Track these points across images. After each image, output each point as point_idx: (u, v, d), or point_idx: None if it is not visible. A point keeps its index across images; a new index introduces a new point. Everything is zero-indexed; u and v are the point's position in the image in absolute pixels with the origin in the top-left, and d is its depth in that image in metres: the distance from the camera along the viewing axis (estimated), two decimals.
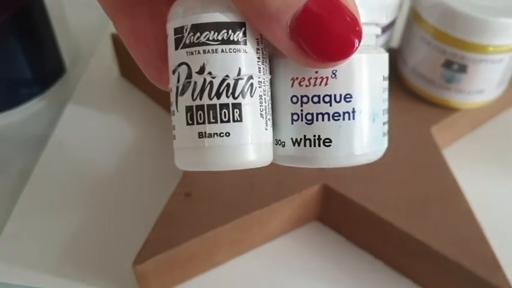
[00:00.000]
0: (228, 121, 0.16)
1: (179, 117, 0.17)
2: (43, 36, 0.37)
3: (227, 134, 0.16)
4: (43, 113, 0.38)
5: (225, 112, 0.16)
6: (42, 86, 0.38)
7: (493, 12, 0.30)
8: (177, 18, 0.16)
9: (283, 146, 0.17)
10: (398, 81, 0.36)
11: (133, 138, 0.36)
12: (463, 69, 0.32)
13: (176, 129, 0.17)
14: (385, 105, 0.18)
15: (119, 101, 0.39)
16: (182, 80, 0.16)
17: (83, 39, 0.43)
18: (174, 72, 0.17)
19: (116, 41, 0.38)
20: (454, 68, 0.32)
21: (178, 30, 0.16)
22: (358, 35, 0.15)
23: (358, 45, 0.15)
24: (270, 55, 0.17)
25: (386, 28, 0.32)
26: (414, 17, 0.33)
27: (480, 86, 0.33)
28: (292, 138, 0.17)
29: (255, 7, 0.15)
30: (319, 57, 0.15)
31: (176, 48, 0.16)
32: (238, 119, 0.16)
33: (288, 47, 0.15)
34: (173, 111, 0.17)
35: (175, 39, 0.16)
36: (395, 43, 0.37)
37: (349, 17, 0.15)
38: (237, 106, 0.16)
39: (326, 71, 0.17)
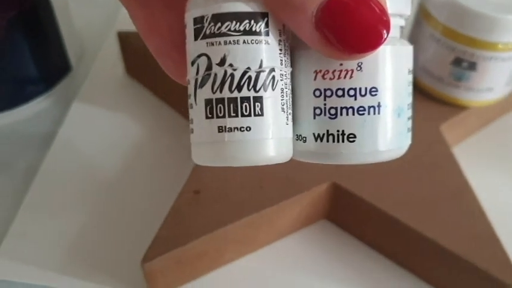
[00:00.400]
0: (249, 115, 0.16)
1: (198, 111, 0.16)
2: (49, 34, 0.37)
3: (248, 129, 0.16)
4: (49, 111, 0.38)
5: (246, 105, 0.16)
6: (48, 84, 0.38)
7: (503, 9, 0.30)
8: (197, 8, 0.16)
9: (304, 141, 0.17)
10: None
11: (140, 136, 0.36)
12: (472, 66, 0.32)
13: (194, 123, 0.16)
14: (410, 99, 0.18)
15: (125, 98, 0.39)
16: (202, 71, 0.16)
17: (88, 37, 0.43)
18: (193, 63, 0.16)
19: (122, 39, 0.38)
20: (464, 66, 0.32)
21: (199, 20, 0.16)
22: (387, 25, 0.15)
23: (387, 36, 0.15)
24: (292, 47, 0.17)
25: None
26: (423, 14, 0.33)
27: (489, 84, 0.33)
28: (314, 134, 0.17)
29: None
30: (346, 48, 0.15)
31: (196, 39, 0.16)
32: (260, 113, 0.16)
33: (313, 38, 0.15)
34: (191, 104, 0.16)
35: (194, 29, 0.16)
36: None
37: (378, 7, 0.15)
38: (258, 99, 0.16)
39: (351, 64, 0.16)
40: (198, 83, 0.16)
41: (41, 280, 0.29)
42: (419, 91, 0.35)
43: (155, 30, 0.18)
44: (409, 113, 0.18)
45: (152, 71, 0.29)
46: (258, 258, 0.30)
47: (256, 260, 0.30)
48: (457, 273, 0.27)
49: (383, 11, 0.15)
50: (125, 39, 0.38)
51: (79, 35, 0.42)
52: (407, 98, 0.17)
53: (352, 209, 0.30)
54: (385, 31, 0.15)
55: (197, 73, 0.16)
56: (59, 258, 0.30)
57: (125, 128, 0.37)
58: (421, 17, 0.33)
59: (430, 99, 0.34)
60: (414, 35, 0.35)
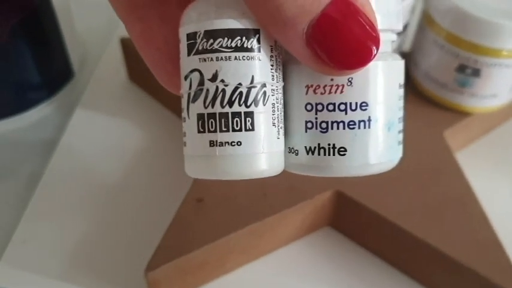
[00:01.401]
0: (240, 130, 0.16)
1: (190, 125, 0.16)
2: (52, 40, 0.37)
3: (239, 143, 0.16)
4: (51, 117, 0.38)
5: (237, 121, 0.16)
6: (50, 90, 0.38)
7: (507, 16, 0.30)
8: (191, 24, 0.16)
9: (296, 154, 0.17)
10: (410, 85, 0.35)
11: (142, 142, 0.36)
12: (476, 73, 0.32)
13: (187, 136, 0.17)
14: (401, 113, 0.18)
15: (127, 104, 0.39)
16: (194, 86, 0.16)
17: (90, 42, 0.43)
18: (186, 78, 0.16)
19: (125, 45, 0.38)
20: (468, 72, 0.32)
21: (191, 36, 0.16)
22: (376, 42, 0.15)
23: (376, 52, 0.15)
24: (284, 61, 0.17)
25: (399, 33, 0.32)
26: (427, 21, 0.33)
27: (493, 90, 0.32)
28: (306, 147, 0.17)
29: (270, 13, 0.15)
30: (336, 64, 0.15)
31: (189, 54, 0.16)
32: (250, 127, 0.16)
33: (304, 54, 0.15)
34: (184, 117, 0.17)
35: (187, 44, 0.16)
36: (407, 47, 0.37)
37: (367, 24, 0.15)
38: (250, 115, 0.16)
39: (342, 79, 0.16)
40: (191, 97, 0.16)
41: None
42: (422, 97, 0.35)
43: (151, 43, 0.18)
44: (400, 126, 0.18)
45: (154, 77, 0.29)
46: (261, 266, 0.30)
47: (259, 268, 0.30)
48: (459, 280, 0.27)
49: (372, 28, 0.15)
50: (127, 45, 0.38)
51: (81, 41, 0.42)
52: (398, 112, 0.17)
53: (355, 217, 0.30)
54: (374, 47, 0.15)
55: (190, 88, 0.16)
56: (62, 266, 0.30)
57: (127, 134, 0.37)
58: (425, 23, 0.33)
59: (433, 105, 0.34)
60: (418, 41, 0.35)
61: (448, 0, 0.31)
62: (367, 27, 0.15)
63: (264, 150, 0.16)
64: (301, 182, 0.29)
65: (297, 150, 0.17)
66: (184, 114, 0.17)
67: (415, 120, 0.33)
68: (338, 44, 0.15)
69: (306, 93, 0.17)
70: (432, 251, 0.27)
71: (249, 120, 0.16)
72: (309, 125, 0.17)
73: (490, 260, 0.26)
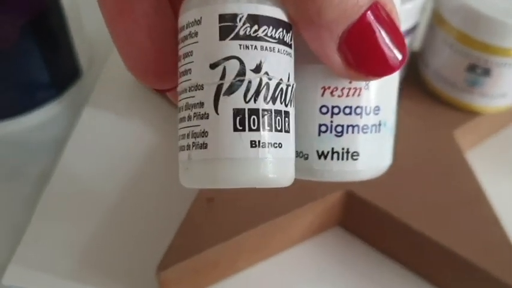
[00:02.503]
0: (281, 130, 0.14)
1: (219, 122, 0.14)
2: (61, 40, 0.37)
3: (280, 145, 0.14)
4: (60, 117, 0.38)
5: (278, 120, 0.14)
6: (58, 89, 0.38)
7: None
8: (226, 3, 0.14)
9: (306, 158, 0.16)
10: (419, 85, 0.35)
11: (151, 142, 0.36)
12: (486, 73, 0.31)
13: (212, 136, 0.14)
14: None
15: (136, 104, 0.39)
16: (230, 77, 0.14)
17: (98, 42, 0.43)
18: (214, 66, 0.14)
19: None
20: (478, 72, 0.32)
21: (229, 18, 0.14)
22: (405, 49, 0.15)
23: (404, 60, 0.15)
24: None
25: (409, 32, 0.32)
26: (437, 20, 0.33)
27: (503, 90, 0.32)
28: (318, 151, 0.16)
29: (308, 14, 0.14)
30: (365, 71, 0.15)
31: (223, 38, 0.14)
32: (288, 129, 0.14)
33: (333, 57, 0.15)
34: (205, 113, 0.14)
35: (221, 27, 0.14)
36: (416, 46, 0.37)
37: (397, 31, 0.15)
38: (287, 115, 0.14)
39: (361, 82, 0.16)
40: (224, 89, 0.14)
41: None
42: (432, 96, 0.35)
43: (127, 13, 0.16)
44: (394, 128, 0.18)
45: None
46: (271, 266, 0.30)
47: (269, 267, 0.30)
48: (470, 281, 0.27)
49: (402, 35, 0.15)
50: None
51: (89, 40, 0.42)
52: (396, 114, 0.18)
53: (365, 216, 0.30)
54: (402, 55, 0.15)
55: (222, 78, 0.14)
56: (73, 265, 0.30)
57: (137, 133, 0.37)
58: (435, 22, 0.33)
59: (443, 104, 0.34)
60: (427, 40, 0.35)
61: (459, 0, 0.31)
62: (397, 34, 0.15)
63: (293, 155, 0.15)
64: (312, 182, 0.29)
65: (307, 155, 0.16)
66: (204, 109, 0.14)
67: (424, 120, 0.33)
68: (370, 50, 0.15)
69: (322, 94, 0.16)
70: (443, 251, 0.27)
71: (287, 121, 0.14)
72: (323, 128, 0.16)
73: (500, 260, 0.26)
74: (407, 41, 0.33)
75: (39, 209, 0.32)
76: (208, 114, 0.14)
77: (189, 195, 0.29)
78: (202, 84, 0.14)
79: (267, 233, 0.28)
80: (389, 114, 0.17)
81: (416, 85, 0.35)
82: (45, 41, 0.36)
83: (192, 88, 0.14)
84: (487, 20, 0.30)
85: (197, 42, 0.14)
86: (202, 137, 0.14)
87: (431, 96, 0.35)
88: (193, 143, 0.15)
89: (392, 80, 0.17)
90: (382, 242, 0.30)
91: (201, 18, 0.14)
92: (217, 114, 0.14)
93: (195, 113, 0.14)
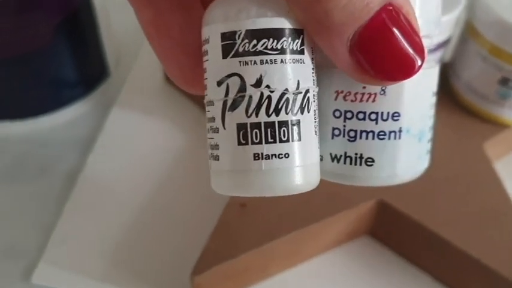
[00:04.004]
0: (287, 140, 0.14)
1: (226, 136, 0.15)
2: (91, 38, 0.37)
3: (286, 155, 0.14)
4: (87, 116, 0.38)
5: (284, 130, 0.14)
6: (87, 88, 0.38)
7: None
8: (227, 22, 0.14)
9: (321, 159, 0.16)
10: (450, 96, 0.35)
11: (181, 143, 0.36)
12: None
13: (221, 149, 0.15)
14: (432, 122, 0.17)
15: (164, 105, 0.39)
16: (233, 93, 0.14)
17: (126, 42, 0.43)
18: (220, 83, 0.15)
19: None
20: (510, 85, 0.32)
21: (229, 36, 0.14)
22: (423, 54, 0.14)
23: (422, 65, 0.14)
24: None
25: (442, 45, 0.32)
26: (470, 32, 0.33)
27: None
28: (331, 154, 0.16)
29: (316, 17, 0.14)
30: (378, 75, 0.14)
31: (225, 57, 0.14)
32: (297, 137, 0.15)
33: (345, 61, 0.14)
34: (216, 128, 0.15)
35: (223, 45, 0.14)
36: (447, 57, 0.36)
37: (414, 34, 0.14)
38: (296, 123, 0.15)
39: (375, 87, 0.15)
40: (228, 105, 0.15)
41: None
42: (462, 108, 0.35)
43: (163, 31, 0.17)
44: (430, 135, 0.17)
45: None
46: (300, 272, 0.30)
47: (298, 274, 0.30)
48: None
49: (418, 38, 0.14)
50: None
51: (117, 40, 0.42)
52: (429, 120, 0.17)
53: (396, 226, 0.30)
54: (420, 59, 0.14)
55: (226, 94, 0.15)
56: (102, 266, 0.30)
57: (165, 136, 0.36)
58: (468, 35, 0.33)
59: (473, 116, 0.34)
60: (459, 52, 0.35)
61: (494, 13, 0.31)
62: (414, 38, 0.14)
63: (311, 161, 0.15)
64: (345, 189, 0.29)
65: (322, 156, 0.16)
66: (215, 124, 0.15)
67: (455, 131, 0.33)
68: (383, 54, 0.14)
69: (335, 98, 0.16)
70: (473, 263, 0.27)
71: (295, 130, 0.15)
72: (336, 132, 0.16)
73: None
74: (439, 53, 0.33)
75: (68, 209, 0.32)
76: (218, 128, 0.15)
77: (221, 199, 0.29)
78: (212, 101, 0.15)
79: (299, 239, 0.28)
80: (414, 121, 0.16)
81: (445, 96, 0.35)
82: (76, 40, 0.36)
83: (208, 103, 0.15)
84: None
85: (208, 60, 0.15)
86: (216, 149, 0.15)
87: (460, 108, 0.35)
88: (211, 153, 0.16)
89: (418, 85, 0.16)
90: (411, 251, 0.30)
91: (209, 37, 0.15)
92: (225, 129, 0.15)
93: (210, 126, 0.15)
